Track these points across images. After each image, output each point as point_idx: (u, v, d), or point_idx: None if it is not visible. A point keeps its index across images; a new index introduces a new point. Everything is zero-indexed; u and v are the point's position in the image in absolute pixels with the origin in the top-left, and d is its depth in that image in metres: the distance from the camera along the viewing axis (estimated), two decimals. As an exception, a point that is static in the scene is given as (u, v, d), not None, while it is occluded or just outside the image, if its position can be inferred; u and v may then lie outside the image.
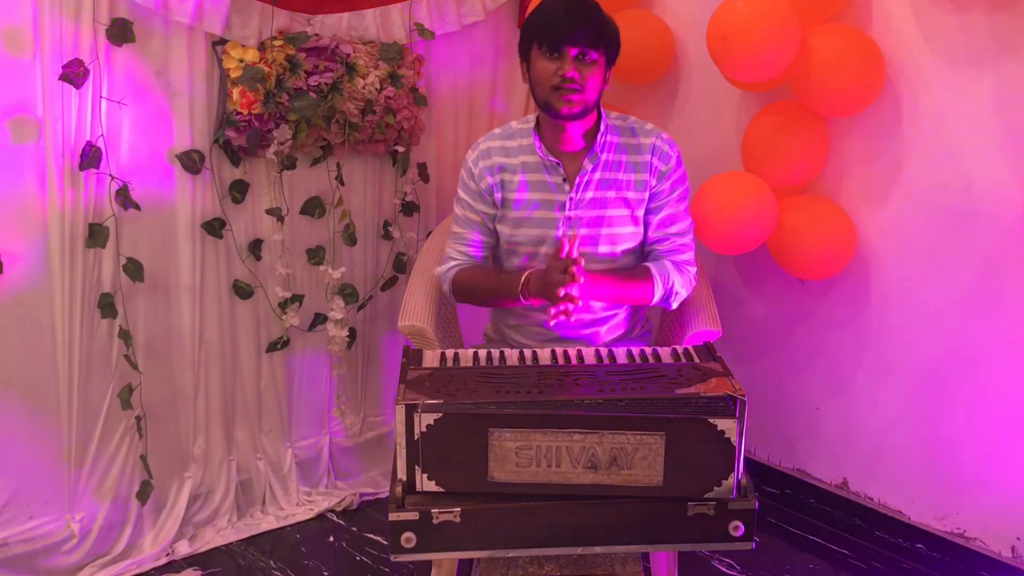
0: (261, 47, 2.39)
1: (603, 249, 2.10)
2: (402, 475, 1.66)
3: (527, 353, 1.89)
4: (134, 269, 2.34)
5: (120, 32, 2.18)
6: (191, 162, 2.39)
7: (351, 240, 2.70)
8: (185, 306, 2.48)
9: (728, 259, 2.83)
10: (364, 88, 2.56)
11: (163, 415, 2.51)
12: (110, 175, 2.27)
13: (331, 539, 2.66)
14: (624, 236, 2.11)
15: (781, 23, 2.24)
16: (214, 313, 2.54)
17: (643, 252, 2.17)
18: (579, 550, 1.72)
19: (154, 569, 2.47)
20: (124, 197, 2.30)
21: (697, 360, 1.85)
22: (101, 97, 2.21)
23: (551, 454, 1.64)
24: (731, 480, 1.66)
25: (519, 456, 1.64)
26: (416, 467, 1.65)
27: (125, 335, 2.36)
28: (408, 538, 1.66)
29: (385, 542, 2.60)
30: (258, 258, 2.58)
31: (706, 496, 1.67)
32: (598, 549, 1.73)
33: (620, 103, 2.83)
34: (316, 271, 2.69)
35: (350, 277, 2.75)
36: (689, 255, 2.13)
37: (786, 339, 2.76)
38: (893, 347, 2.51)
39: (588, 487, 1.66)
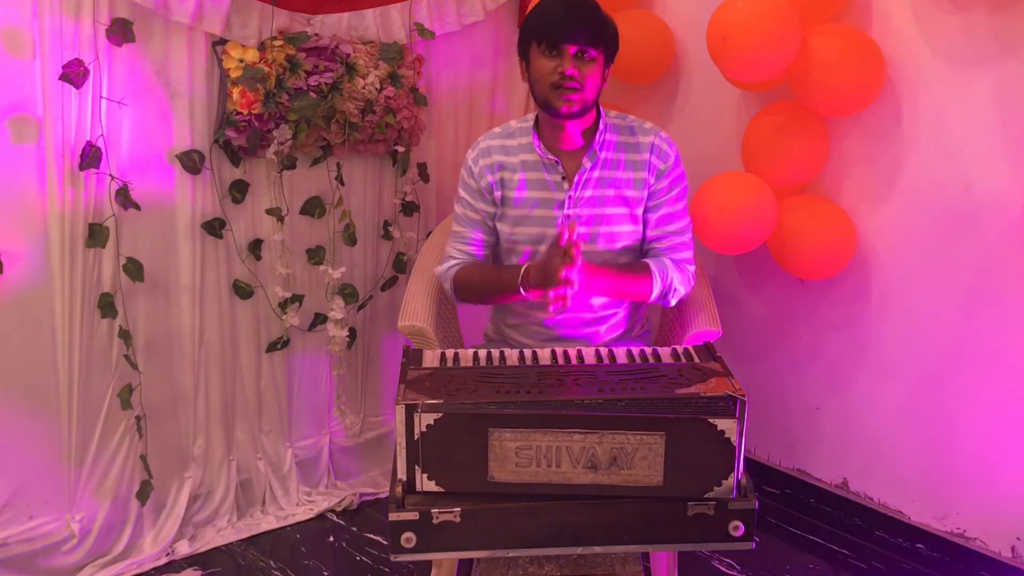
0: (261, 47, 2.39)
1: (602, 247, 2.10)
2: (402, 475, 1.66)
3: (527, 353, 1.89)
4: (134, 269, 2.34)
5: (120, 32, 2.18)
6: (191, 162, 2.39)
7: (351, 240, 2.70)
8: (185, 306, 2.48)
9: (728, 259, 2.83)
10: (364, 88, 2.56)
11: (163, 415, 2.51)
12: (110, 175, 2.27)
13: (331, 539, 2.66)
14: (623, 234, 2.11)
15: (781, 23, 2.24)
16: (214, 313, 2.54)
17: (642, 250, 2.17)
18: (579, 550, 1.72)
19: (154, 569, 2.47)
20: (124, 197, 2.30)
21: (697, 360, 1.85)
22: (101, 97, 2.21)
23: (551, 454, 1.64)
24: (731, 480, 1.66)
25: (519, 456, 1.64)
26: (416, 467, 1.65)
27: (125, 335, 2.36)
28: (408, 538, 1.66)
29: (385, 542, 2.60)
30: (258, 258, 2.58)
31: (706, 496, 1.67)
32: (598, 549, 1.73)
33: (620, 103, 2.83)
34: (316, 271, 2.69)
35: (350, 277, 2.75)
36: (688, 253, 2.13)
37: (786, 339, 2.76)
38: (893, 347, 2.51)
39: (588, 487, 1.66)
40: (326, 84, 2.49)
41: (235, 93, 2.36)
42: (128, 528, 2.48)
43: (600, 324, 2.17)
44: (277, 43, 2.40)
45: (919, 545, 2.52)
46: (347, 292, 2.73)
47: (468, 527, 1.66)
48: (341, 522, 2.74)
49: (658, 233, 2.12)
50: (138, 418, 2.44)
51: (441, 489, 1.66)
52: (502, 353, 1.89)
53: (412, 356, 1.86)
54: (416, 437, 1.63)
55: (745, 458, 1.67)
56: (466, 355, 1.89)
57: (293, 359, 2.74)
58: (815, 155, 2.47)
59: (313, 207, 2.64)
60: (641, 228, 2.13)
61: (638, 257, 2.16)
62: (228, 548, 2.58)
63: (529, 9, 2.10)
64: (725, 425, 1.63)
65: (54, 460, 2.34)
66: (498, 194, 2.13)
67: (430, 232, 2.67)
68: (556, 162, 2.09)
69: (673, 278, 2.08)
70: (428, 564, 2.10)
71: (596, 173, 2.10)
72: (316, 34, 2.47)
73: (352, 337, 2.78)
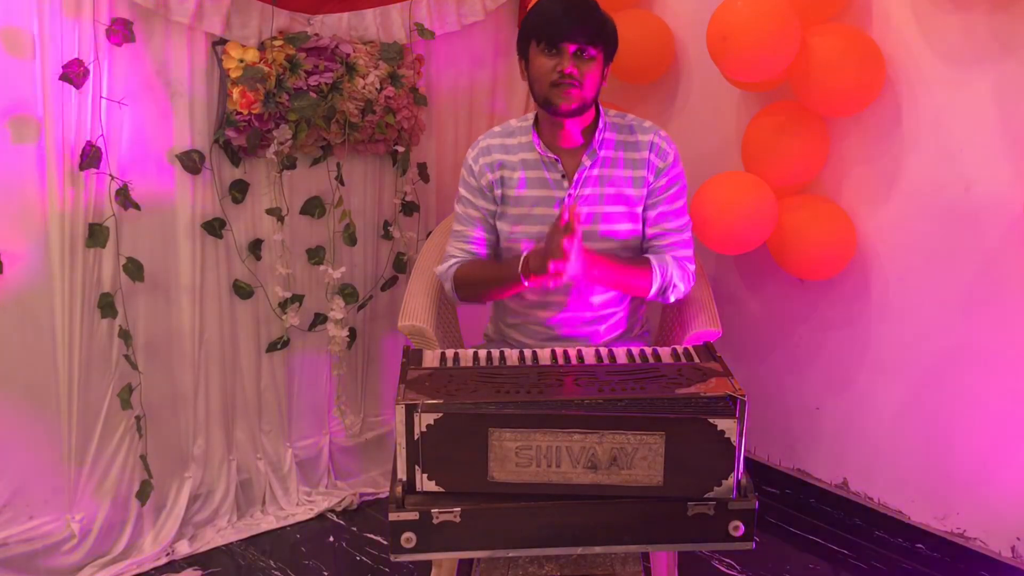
0: (261, 47, 2.39)
1: (601, 246, 2.10)
2: (402, 475, 1.66)
3: (527, 353, 1.89)
4: (134, 269, 2.34)
5: (120, 32, 2.18)
6: (191, 162, 2.39)
7: (351, 240, 2.70)
8: (185, 306, 2.48)
9: (728, 259, 2.83)
10: (364, 88, 2.56)
11: (163, 415, 2.51)
12: (110, 175, 2.27)
13: (331, 539, 2.66)
14: (623, 232, 2.11)
15: (781, 23, 2.24)
16: (214, 313, 2.54)
17: (642, 249, 2.17)
18: (579, 550, 1.72)
19: (154, 569, 2.47)
20: (124, 197, 2.30)
21: (697, 360, 1.85)
22: (101, 97, 2.21)
23: (551, 454, 1.64)
24: (731, 480, 1.66)
25: (519, 456, 1.64)
26: (416, 467, 1.65)
27: (125, 335, 2.36)
28: (408, 538, 1.66)
29: (385, 542, 2.60)
30: (258, 258, 2.58)
31: (706, 496, 1.67)
32: (598, 549, 1.73)
33: (620, 103, 2.83)
34: (316, 271, 2.69)
35: (350, 277, 2.75)
36: (688, 252, 2.13)
37: (786, 339, 2.76)
38: (893, 347, 2.51)
39: (588, 487, 1.66)
40: (326, 84, 2.49)
41: (235, 93, 2.36)
42: (128, 528, 2.48)
43: (600, 323, 2.17)
44: (277, 43, 2.40)
45: (919, 545, 2.52)
46: (347, 292, 2.73)
47: (468, 527, 1.66)
48: (341, 522, 2.74)
49: (658, 231, 2.13)
50: (138, 418, 2.44)
51: (441, 489, 1.66)
52: (502, 353, 1.89)
53: (412, 356, 1.86)
54: (416, 437, 1.63)
55: (745, 458, 1.67)
56: (466, 355, 1.89)
57: (293, 359, 2.74)
58: (815, 155, 2.47)
59: (313, 207, 2.64)
60: (641, 226, 2.13)
61: (638, 255, 2.17)
62: (228, 548, 2.58)
63: (528, 9, 2.10)
64: (725, 425, 1.63)
65: (54, 460, 2.34)
66: (498, 192, 2.13)
67: (430, 232, 2.67)
68: (556, 160, 2.09)
69: (673, 274, 2.08)
70: (428, 564, 2.10)
71: (596, 171, 2.10)
72: (316, 34, 2.47)
73: (352, 337, 2.78)
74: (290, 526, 2.70)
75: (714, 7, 2.32)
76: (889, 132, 2.41)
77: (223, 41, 2.35)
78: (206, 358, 2.56)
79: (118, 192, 2.29)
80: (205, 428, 2.60)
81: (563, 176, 2.09)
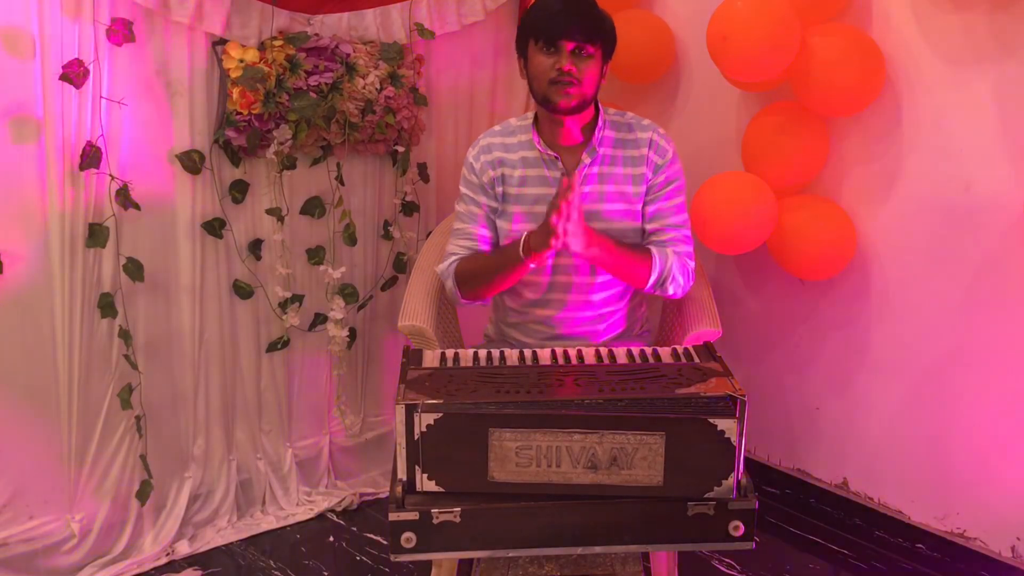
0: (261, 47, 2.39)
1: None
2: (402, 475, 1.66)
3: (527, 353, 1.89)
4: (134, 269, 2.34)
5: (120, 32, 2.18)
6: (191, 162, 2.39)
7: (351, 240, 2.70)
8: (185, 306, 2.48)
9: (728, 259, 2.83)
10: (364, 88, 2.56)
11: (163, 415, 2.51)
12: (110, 175, 2.27)
13: (331, 539, 2.66)
14: (623, 230, 2.11)
15: (781, 23, 2.24)
16: (214, 313, 2.54)
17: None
18: (579, 550, 1.72)
19: (154, 569, 2.47)
20: (124, 197, 2.30)
21: (697, 360, 1.85)
22: (101, 97, 2.21)
23: (551, 454, 1.64)
24: (731, 480, 1.66)
25: (519, 456, 1.64)
26: (416, 467, 1.65)
27: (125, 335, 2.36)
28: (408, 538, 1.66)
29: (385, 542, 2.60)
30: (258, 258, 2.58)
31: (706, 496, 1.67)
32: (598, 549, 1.73)
33: (620, 103, 2.81)
34: (316, 271, 2.69)
35: (350, 277, 2.75)
36: (688, 248, 2.13)
37: (786, 339, 2.76)
38: (893, 347, 2.51)
39: (588, 487, 1.66)
40: (326, 84, 2.49)
41: (235, 93, 2.36)
42: (128, 528, 2.48)
43: (600, 322, 2.18)
44: (277, 43, 2.40)
45: (919, 545, 2.52)
46: (347, 292, 2.73)
47: (468, 527, 1.66)
48: (341, 522, 2.74)
49: (657, 226, 2.13)
50: (138, 418, 2.44)
51: (441, 489, 1.66)
52: (502, 353, 1.89)
53: (412, 356, 1.86)
54: (416, 437, 1.63)
55: (745, 458, 1.67)
56: (466, 355, 1.89)
57: (293, 359, 2.74)
58: (815, 155, 2.47)
59: (313, 207, 2.64)
60: (640, 223, 2.13)
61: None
62: (228, 548, 2.58)
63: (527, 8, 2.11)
64: (725, 425, 1.63)
65: (54, 460, 2.34)
66: (499, 190, 2.14)
67: (430, 232, 2.67)
68: (556, 158, 2.10)
69: (673, 265, 2.08)
70: (428, 564, 2.10)
71: (595, 169, 2.11)
72: (316, 34, 2.47)
73: (352, 337, 2.78)
74: (290, 526, 2.70)
75: (714, 7, 2.32)
76: (889, 132, 2.41)
77: (223, 41, 2.35)
78: (206, 358, 2.56)
79: (118, 192, 2.29)
80: (205, 428, 2.60)
81: (563, 174, 2.10)
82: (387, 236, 2.81)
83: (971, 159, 2.27)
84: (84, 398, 2.35)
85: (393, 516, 1.65)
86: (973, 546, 2.42)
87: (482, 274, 2.10)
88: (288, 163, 2.54)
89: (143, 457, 2.47)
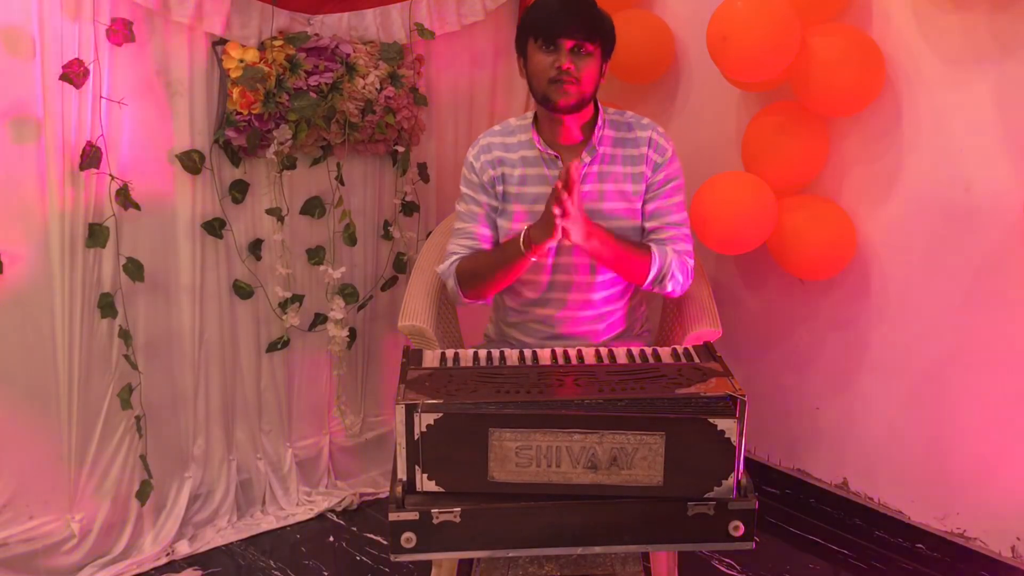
0: (261, 47, 2.39)
1: None
2: (402, 475, 1.66)
3: (527, 353, 1.89)
4: (134, 269, 2.34)
5: (120, 32, 2.18)
6: (191, 162, 2.39)
7: (351, 240, 2.70)
8: (185, 306, 2.48)
9: (728, 259, 2.83)
10: (364, 88, 2.56)
11: (163, 415, 2.51)
12: (110, 175, 2.27)
13: (331, 539, 2.66)
14: (623, 229, 2.11)
15: (781, 23, 2.24)
16: (214, 313, 2.54)
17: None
18: (579, 550, 1.72)
19: (154, 569, 2.47)
20: (124, 197, 2.30)
21: (697, 360, 1.85)
22: (101, 97, 2.21)
23: (551, 454, 1.64)
24: (731, 480, 1.66)
25: (519, 456, 1.64)
26: (416, 467, 1.65)
27: (125, 335, 2.36)
28: (408, 538, 1.66)
29: (385, 542, 2.60)
30: (258, 258, 2.58)
31: (706, 496, 1.67)
32: (598, 549, 1.73)
33: (620, 103, 2.81)
34: (316, 271, 2.69)
35: (350, 277, 2.75)
36: (687, 247, 2.13)
37: (786, 339, 2.76)
38: (893, 347, 2.51)
39: (588, 487, 1.66)
40: (326, 84, 2.49)
41: (235, 93, 2.36)
42: (128, 528, 2.48)
43: (600, 322, 2.18)
44: (277, 43, 2.40)
45: (919, 545, 2.52)
46: (347, 292, 2.73)
47: (468, 527, 1.66)
48: (341, 522, 2.74)
49: (656, 224, 2.13)
50: (138, 418, 2.44)
51: (441, 489, 1.66)
52: (502, 353, 1.89)
53: (412, 356, 1.86)
54: (416, 437, 1.63)
55: (745, 458, 1.67)
56: (466, 355, 1.89)
57: (293, 359, 2.74)
58: (815, 155, 2.47)
59: (313, 207, 2.64)
60: (640, 222, 2.14)
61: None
62: (228, 548, 2.58)
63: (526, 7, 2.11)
64: (725, 425, 1.63)
65: (54, 460, 2.34)
66: (499, 189, 2.14)
67: (430, 232, 2.67)
68: (556, 157, 2.10)
69: (672, 262, 2.08)
70: (428, 564, 2.10)
71: (595, 168, 2.11)
72: (316, 34, 2.47)
73: (352, 337, 2.78)
74: (290, 526, 2.70)
75: (714, 7, 2.32)
76: (889, 132, 2.41)
77: (223, 41, 2.35)
78: (206, 358, 2.56)
79: (118, 192, 2.29)
80: (205, 428, 2.60)
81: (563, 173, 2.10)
82: (387, 236, 2.81)
83: (971, 159, 2.27)
84: (84, 398, 2.35)
85: (393, 516, 1.65)
86: (973, 546, 2.42)
87: (483, 272, 2.10)
88: (288, 163, 2.54)
89: (143, 457, 2.47)
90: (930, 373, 2.44)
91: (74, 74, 2.14)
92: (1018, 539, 2.33)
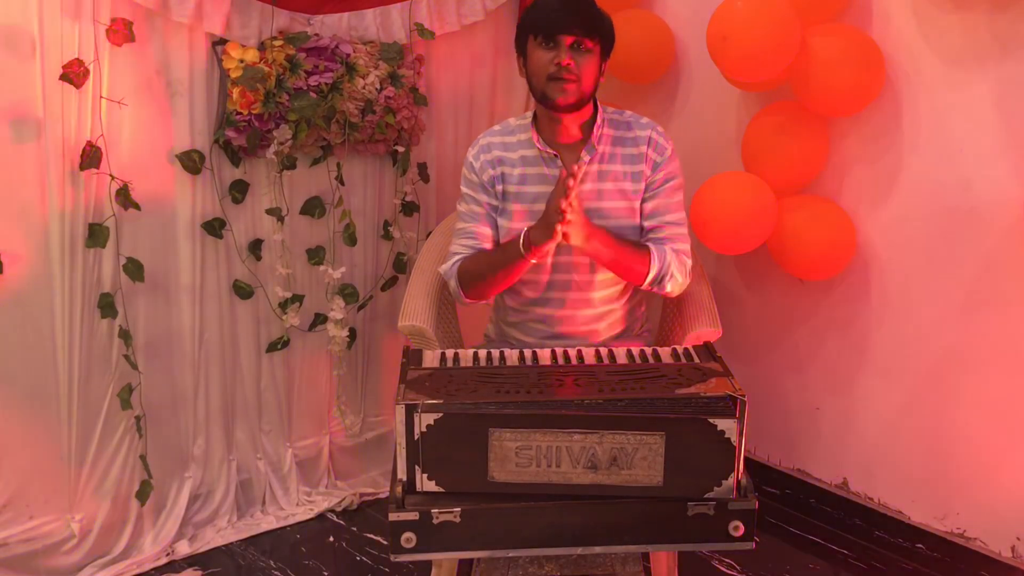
0: (261, 47, 2.39)
1: None
2: (402, 475, 1.66)
3: (527, 353, 1.90)
4: (134, 269, 2.34)
5: (120, 32, 2.18)
6: (191, 162, 2.39)
7: (351, 240, 2.70)
8: (185, 306, 2.48)
9: (728, 259, 2.83)
10: (364, 88, 2.56)
11: (163, 415, 2.51)
12: (110, 175, 2.27)
13: (331, 539, 2.66)
14: (622, 227, 2.12)
15: (781, 23, 2.24)
16: (214, 313, 2.54)
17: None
18: (579, 550, 1.72)
19: (154, 569, 2.47)
20: (124, 197, 2.30)
21: (697, 360, 1.86)
22: (101, 97, 2.21)
23: (551, 454, 1.64)
24: (731, 480, 1.66)
25: (519, 456, 1.64)
26: (416, 467, 1.65)
27: (125, 335, 2.36)
28: (408, 538, 1.66)
29: (385, 542, 2.60)
30: (258, 258, 2.58)
31: (706, 496, 1.67)
32: (598, 549, 1.73)
33: (620, 103, 2.81)
34: (316, 271, 2.69)
35: (350, 277, 2.75)
36: (686, 246, 2.13)
37: (786, 339, 2.76)
38: (893, 347, 2.51)
39: (588, 487, 1.66)
40: (326, 84, 2.49)
41: (235, 93, 2.36)
42: (128, 528, 2.48)
43: (600, 321, 2.18)
44: (277, 43, 2.40)
45: (919, 545, 2.52)
46: (347, 292, 2.73)
47: (468, 527, 1.66)
48: (341, 522, 2.74)
49: (655, 223, 2.13)
50: (138, 418, 2.44)
51: (441, 489, 1.66)
52: (502, 353, 1.89)
53: (412, 356, 1.86)
54: (416, 437, 1.63)
55: (745, 458, 1.67)
56: (466, 355, 1.89)
57: (293, 359, 2.74)
58: (815, 155, 2.47)
59: (313, 207, 2.64)
60: (639, 221, 2.14)
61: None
62: (228, 548, 2.58)
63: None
64: (725, 425, 1.63)
65: (54, 460, 2.34)
66: (499, 188, 2.14)
67: (430, 232, 2.67)
68: (555, 156, 2.10)
69: (671, 262, 2.08)
70: (428, 564, 2.10)
71: (594, 167, 2.11)
72: (316, 34, 2.47)
73: (352, 337, 2.78)
74: (290, 526, 2.70)
75: (714, 7, 2.32)
76: (889, 132, 2.41)
77: (223, 41, 2.35)
78: (206, 358, 2.56)
79: (118, 192, 2.29)
80: (205, 428, 2.60)
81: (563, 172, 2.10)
82: (387, 236, 2.81)
83: (971, 159, 2.27)
84: (84, 398, 2.35)
85: (393, 516, 1.65)
86: (973, 546, 2.42)
87: (484, 272, 2.10)
88: (288, 163, 2.54)
89: (143, 457, 2.47)
90: (930, 373, 2.44)
91: (74, 74, 2.14)
92: (1018, 539, 2.34)
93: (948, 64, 2.28)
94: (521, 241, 1.98)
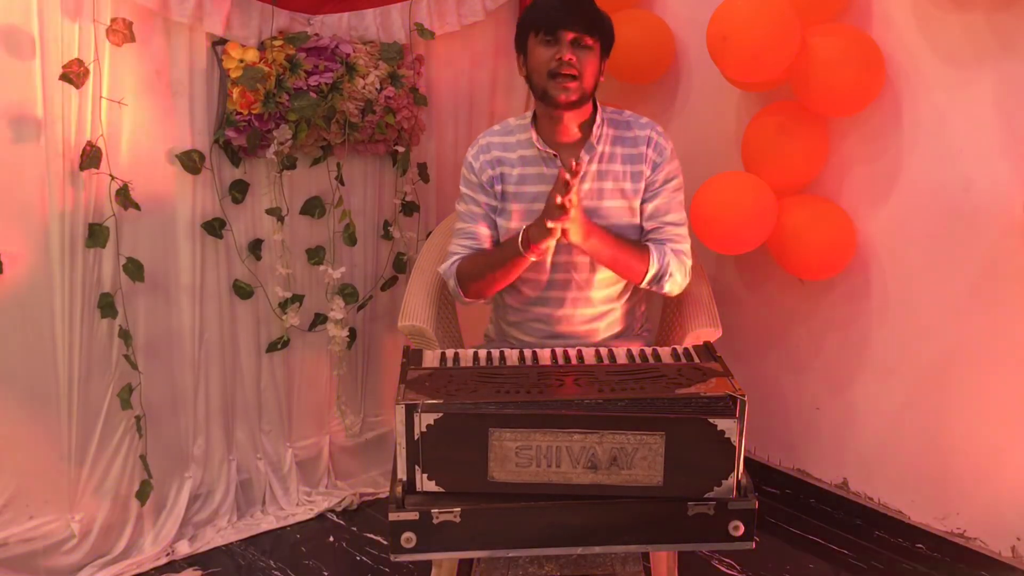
0: (261, 47, 2.39)
1: None
2: (402, 475, 1.66)
3: (527, 353, 1.90)
4: (134, 269, 2.34)
5: (120, 32, 2.18)
6: (191, 162, 2.39)
7: (351, 240, 2.70)
8: (185, 306, 2.48)
9: (728, 259, 2.83)
10: (364, 88, 2.56)
11: (163, 415, 2.51)
12: (110, 175, 2.27)
13: (331, 539, 2.66)
14: (622, 227, 2.12)
15: (781, 23, 2.24)
16: (214, 313, 2.54)
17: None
18: (579, 550, 1.72)
19: (154, 569, 2.47)
20: (124, 197, 2.30)
21: (697, 360, 1.86)
22: (101, 97, 2.21)
23: (551, 454, 1.64)
24: (731, 480, 1.66)
25: (519, 456, 1.64)
26: (416, 467, 1.65)
27: (125, 335, 2.36)
28: (408, 538, 1.66)
29: (385, 542, 2.60)
30: (258, 258, 2.58)
31: (706, 496, 1.67)
32: (598, 549, 1.73)
33: (620, 103, 2.81)
34: (316, 271, 2.69)
35: (350, 277, 2.75)
36: (685, 246, 2.14)
37: (786, 339, 2.76)
38: (893, 347, 2.51)
39: (588, 487, 1.66)
40: (326, 84, 2.49)
41: (235, 93, 2.36)
42: (128, 528, 2.48)
43: (599, 320, 2.18)
44: (277, 43, 2.40)
45: (919, 545, 2.52)
46: (347, 292, 2.73)
47: (468, 527, 1.66)
48: (341, 522, 2.74)
49: (655, 224, 2.13)
50: (138, 418, 2.44)
51: (441, 489, 1.66)
52: (502, 353, 1.89)
53: (412, 356, 1.86)
54: (416, 437, 1.63)
55: (745, 458, 1.67)
56: (466, 355, 1.89)
57: (293, 359, 2.74)
58: (815, 155, 2.47)
59: (313, 207, 2.64)
60: (639, 220, 2.14)
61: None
62: (228, 548, 2.58)
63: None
64: (725, 425, 1.63)
65: (54, 460, 2.34)
66: (498, 188, 2.14)
67: (430, 232, 2.67)
68: (554, 155, 2.10)
69: (670, 262, 2.09)
70: (428, 564, 2.10)
71: (594, 166, 2.12)
72: (316, 34, 2.48)
73: (352, 337, 2.78)
74: (290, 526, 2.70)
75: (714, 7, 2.32)
76: (889, 132, 2.41)
77: (223, 41, 2.35)
78: (206, 358, 2.56)
79: (118, 192, 2.29)
80: (205, 428, 2.60)
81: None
82: (387, 236, 2.81)
83: (971, 159, 2.27)
84: (84, 398, 2.35)
85: (393, 516, 1.65)
86: (973, 546, 2.42)
87: (483, 272, 2.11)
88: (288, 163, 2.54)
89: (143, 457, 2.47)
90: (930, 373, 2.44)
91: (74, 74, 2.14)
92: (1018, 539, 2.33)
93: (948, 64, 2.28)
94: (520, 239, 1.99)
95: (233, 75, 2.34)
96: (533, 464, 1.65)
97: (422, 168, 2.83)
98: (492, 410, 1.64)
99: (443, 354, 1.88)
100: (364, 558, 2.57)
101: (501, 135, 2.18)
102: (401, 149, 2.72)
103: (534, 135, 2.12)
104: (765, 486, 2.84)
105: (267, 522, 2.69)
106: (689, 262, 2.14)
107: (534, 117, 2.15)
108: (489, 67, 2.93)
